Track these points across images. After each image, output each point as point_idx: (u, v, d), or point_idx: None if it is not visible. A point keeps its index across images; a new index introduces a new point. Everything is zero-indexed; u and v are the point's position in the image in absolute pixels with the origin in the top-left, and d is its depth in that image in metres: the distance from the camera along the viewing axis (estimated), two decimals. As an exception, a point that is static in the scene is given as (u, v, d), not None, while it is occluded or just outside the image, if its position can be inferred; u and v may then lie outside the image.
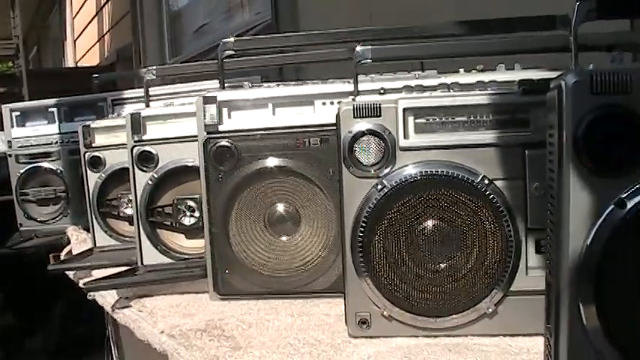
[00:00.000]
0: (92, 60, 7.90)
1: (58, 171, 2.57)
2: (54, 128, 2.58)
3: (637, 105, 0.72)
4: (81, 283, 1.89)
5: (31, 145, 2.59)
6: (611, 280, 0.73)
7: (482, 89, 1.12)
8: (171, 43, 5.26)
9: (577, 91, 0.73)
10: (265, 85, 1.48)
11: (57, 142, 2.57)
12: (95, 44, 7.72)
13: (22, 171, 2.59)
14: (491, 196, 1.02)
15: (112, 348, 2.67)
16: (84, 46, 8.51)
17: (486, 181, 1.02)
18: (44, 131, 2.58)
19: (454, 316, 1.05)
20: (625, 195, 0.72)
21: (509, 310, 1.04)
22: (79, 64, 8.59)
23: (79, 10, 8.48)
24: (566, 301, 0.76)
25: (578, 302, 0.75)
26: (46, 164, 2.58)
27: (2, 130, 2.73)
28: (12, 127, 2.62)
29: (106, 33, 7.15)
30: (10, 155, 2.61)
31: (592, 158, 0.73)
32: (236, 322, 1.20)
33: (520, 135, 1.02)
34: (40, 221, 2.64)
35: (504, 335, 1.04)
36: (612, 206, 0.72)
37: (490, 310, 1.04)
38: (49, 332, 3.75)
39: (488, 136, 1.03)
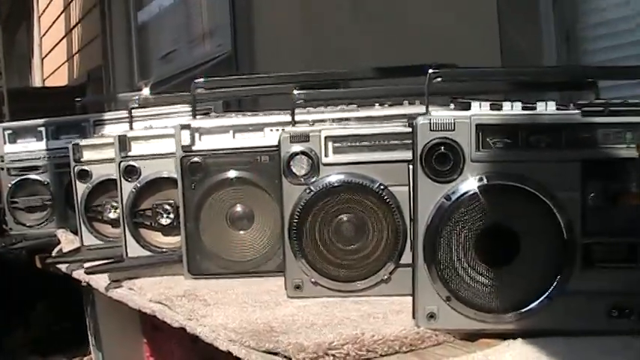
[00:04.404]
0: (60, 80, 8.09)
1: (45, 182, 2.91)
2: (42, 145, 2.92)
3: (458, 138, 1.16)
4: (75, 274, 2.26)
5: (21, 160, 2.91)
6: (444, 246, 1.17)
7: (386, 122, 1.56)
8: (140, 67, 5.61)
9: (422, 129, 1.17)
10: (227, 115, 1.90)
11: (44, 157, 2.90)
12: (63, 64, 7.93)
13: (12, 182, 2.92)
14: (386, 197, 1.45)
15: (90, 338, 3.03)
16: (51, 65, 8.68)
17: (382, 187, 1.45)
18: (33, 147, 2.92)
19: (360, 281, 1.47)
20: (450, 193, 1.17)
21: (400, 278, 1.45)
22: (47, 84, 8.79)
23: (48, 29, 8.65)
24: (419, 263, 1.20)
25: (417, 262, 1.19)
26: (34, 176, 2.91)
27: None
28: (4, 143, 2.94)
29: (76, 54, 7.39)
30: (2, 169, 2.93)
31: (430, 170, 1.17)
32: (206, 290, 1.59)
33: (406, 154, 1.43)
34: (28, 226, 2.96)
35: (397, 295, 1.43)
36: (442, 200, 1.17)
37: (386, 277, 1.47)
38: (29, 330, 3.89)
39: (384, 155, 1.46)
